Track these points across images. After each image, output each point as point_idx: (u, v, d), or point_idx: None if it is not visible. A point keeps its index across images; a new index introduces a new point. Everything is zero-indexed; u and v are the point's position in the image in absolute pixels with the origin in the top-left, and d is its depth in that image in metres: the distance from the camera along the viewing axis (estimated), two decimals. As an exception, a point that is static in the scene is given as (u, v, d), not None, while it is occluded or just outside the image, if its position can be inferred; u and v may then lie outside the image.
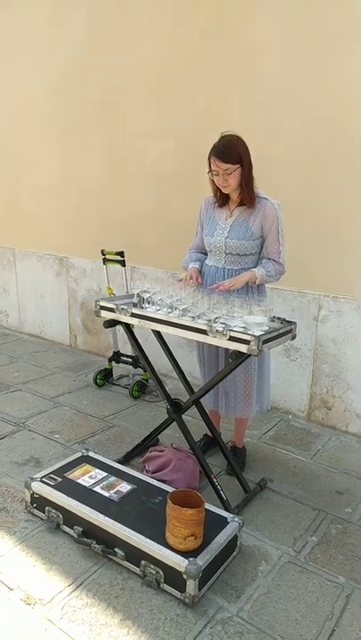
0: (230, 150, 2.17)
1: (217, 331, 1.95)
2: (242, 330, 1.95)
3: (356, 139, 2.72)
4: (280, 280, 2.40)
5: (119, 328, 2.55)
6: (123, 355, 3.63)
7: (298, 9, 2.77)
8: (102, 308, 2.33)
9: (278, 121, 2.96)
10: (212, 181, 2.30)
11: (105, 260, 3.52)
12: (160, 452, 2.53)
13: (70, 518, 2.03)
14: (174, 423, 2.44)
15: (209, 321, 2.04)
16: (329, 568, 1.96)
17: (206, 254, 2.49)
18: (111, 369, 3.69)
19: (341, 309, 2.95)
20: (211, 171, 2.24)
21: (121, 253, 3.43)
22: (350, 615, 1.75)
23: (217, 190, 2.33)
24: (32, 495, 2.16)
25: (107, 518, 1.94)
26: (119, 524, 1.90)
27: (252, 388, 2.42)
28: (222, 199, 2.35)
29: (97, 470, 2.28)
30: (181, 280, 2.39)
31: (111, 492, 2.13)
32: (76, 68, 3.89)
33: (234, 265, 2.35)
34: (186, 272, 2.49)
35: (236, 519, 1.99)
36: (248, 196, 2.26)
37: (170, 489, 2.12)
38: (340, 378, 3.03)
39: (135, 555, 1.85)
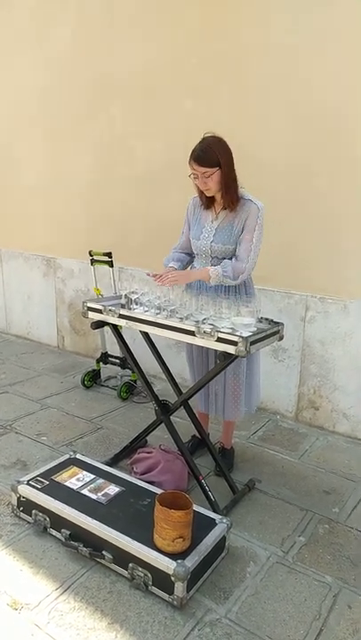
0: (207, 154, 2.13)
1: (205, 332, 1.95)
2: (229, 331, 1.95)
3: (344, 139, 2.74)
4: (254, 280, 2.39)
5: (107, 329, 2.54)
6: (111, 356, 3.61)
7: (286, 10, 2.78)
8: (90, 309, 2.32)
9: (266, 121, 2.97)
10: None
11: (93, 261, 3.50)
12: (148, 453, 2.53)
13: (58, 521, 2.02)
14: (163, 424, 2.44)
15: (197, 322, 2.03)
16: (316, 568, 1.97)
17: (190, 254, 2.47)
18: (99, 370, 3.68)
19: (328, 310, 2.97)
20: (191, 174, 2.22)
21: (109, 254, 3.43)
22: (338, 615, 1.76)
23: (201, 193, 2.30)
24: (19, 498, 2.14)
25: (94, 521, 1.93)
26: (107, 527, 1.89)
27: (240, 392, 2.42)
28: (208, 201, 2.33)
29: (85, 473, 2.26)
30: (149, 274, 2.27)
31: (99, 494, 2.11)
32: (64, 69, 3.86)
33: None
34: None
35: (225, 520, 1.99)
36: (229, 199, 2.22)
37: (158, 491, 2.11)
38: (328, 378, 3.04)
39: (123, 557, 1.84)
